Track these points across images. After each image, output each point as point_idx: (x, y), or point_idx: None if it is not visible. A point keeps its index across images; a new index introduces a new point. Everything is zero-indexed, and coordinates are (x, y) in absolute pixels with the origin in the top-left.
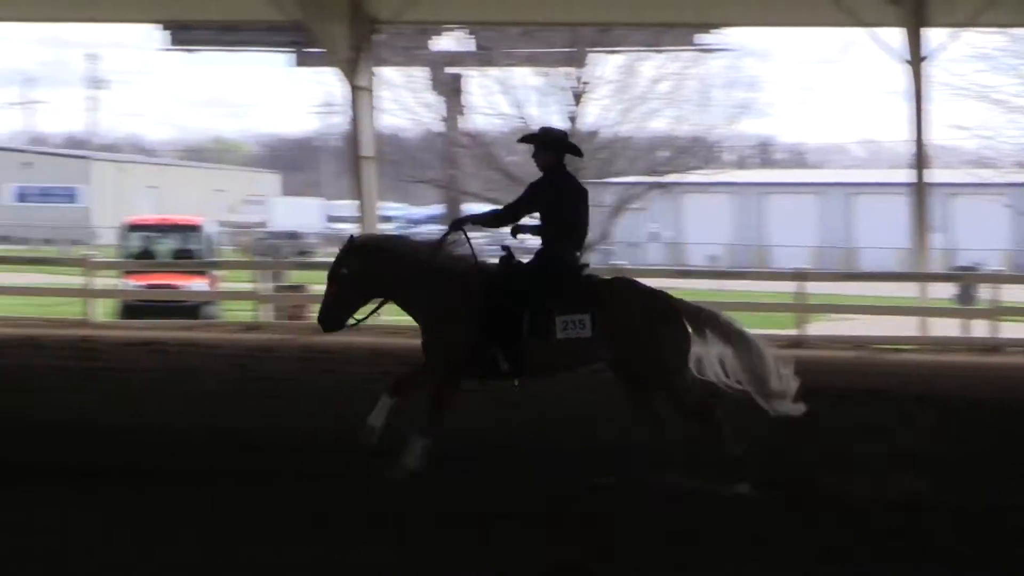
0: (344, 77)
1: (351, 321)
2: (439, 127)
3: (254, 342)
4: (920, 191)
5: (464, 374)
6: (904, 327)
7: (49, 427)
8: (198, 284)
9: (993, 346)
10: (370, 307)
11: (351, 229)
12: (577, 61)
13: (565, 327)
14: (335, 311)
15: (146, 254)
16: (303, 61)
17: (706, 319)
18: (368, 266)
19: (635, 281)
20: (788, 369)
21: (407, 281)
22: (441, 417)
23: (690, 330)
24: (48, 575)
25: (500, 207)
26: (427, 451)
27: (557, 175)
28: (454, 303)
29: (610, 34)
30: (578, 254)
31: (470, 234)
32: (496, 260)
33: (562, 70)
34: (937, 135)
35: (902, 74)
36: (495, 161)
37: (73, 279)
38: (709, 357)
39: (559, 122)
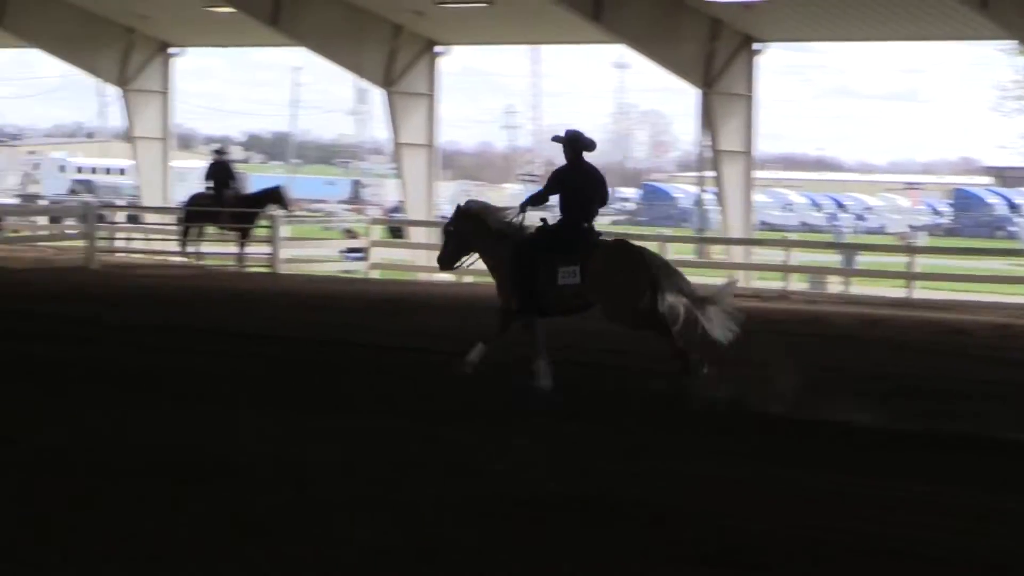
0: None
1: (458, 264)
2: None
3: None
4: None
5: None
6: None
7: None
8: None
9: None
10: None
11: None
12: None
13: (563, 276)
14: (446, 257)
15: None
16: None
17: (666, 274)
18: (465, 227)
19: (624, 243)
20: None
21: (483, 241)
22: (498, 334)
23: (652, 280)
24: None
25: (538, 190)
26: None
27: (575, 165)
28: (504, 257)
29: None
30: (586, 224)
31: (530, 211)
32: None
33: None
34: None
35: None
36: None
37: None
38: (664, 304)
39: None
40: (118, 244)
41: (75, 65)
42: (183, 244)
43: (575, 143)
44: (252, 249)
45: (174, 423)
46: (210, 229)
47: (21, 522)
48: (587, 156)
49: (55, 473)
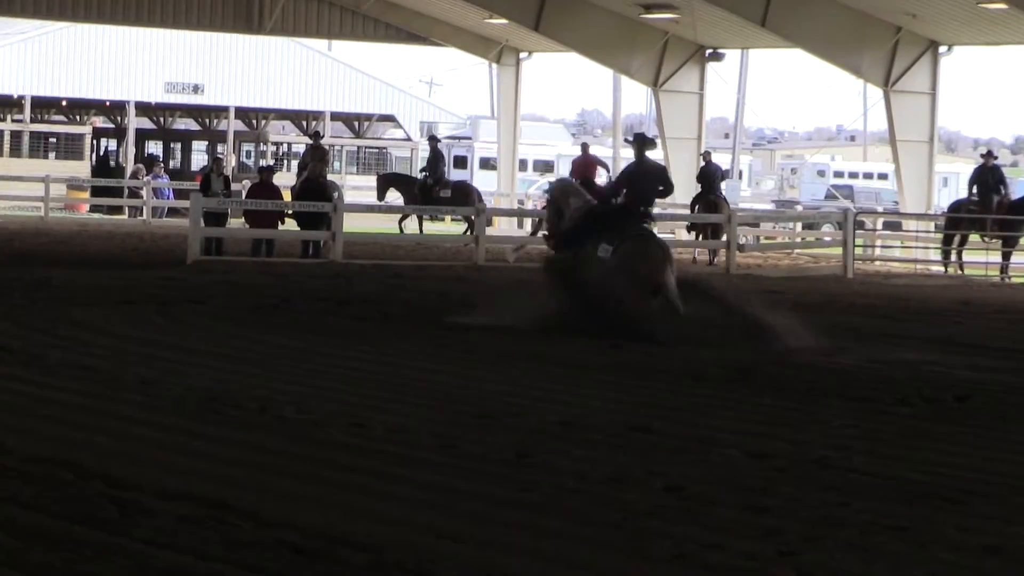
0: None
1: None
2: None
3: None
4: None
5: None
6: None
7: None
8: None
9: None
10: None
11: None
12: None
13: (602, 250)
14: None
15: None
16: None
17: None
18: (556, 199)
19: (647, 234)
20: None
21: (562, 212)
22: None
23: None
24: None
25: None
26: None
27: (638, 161)
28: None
29: None
30: (643, 209)
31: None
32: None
33: None
34: None
35: None
36: None
37: None
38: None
39: None
40: (876, 252)
41: (838, 66)
42: (945, 253)
43: (641, 143)
44: (1018, 259)
45: None
46: (974, 237)
47: None
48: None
49: None
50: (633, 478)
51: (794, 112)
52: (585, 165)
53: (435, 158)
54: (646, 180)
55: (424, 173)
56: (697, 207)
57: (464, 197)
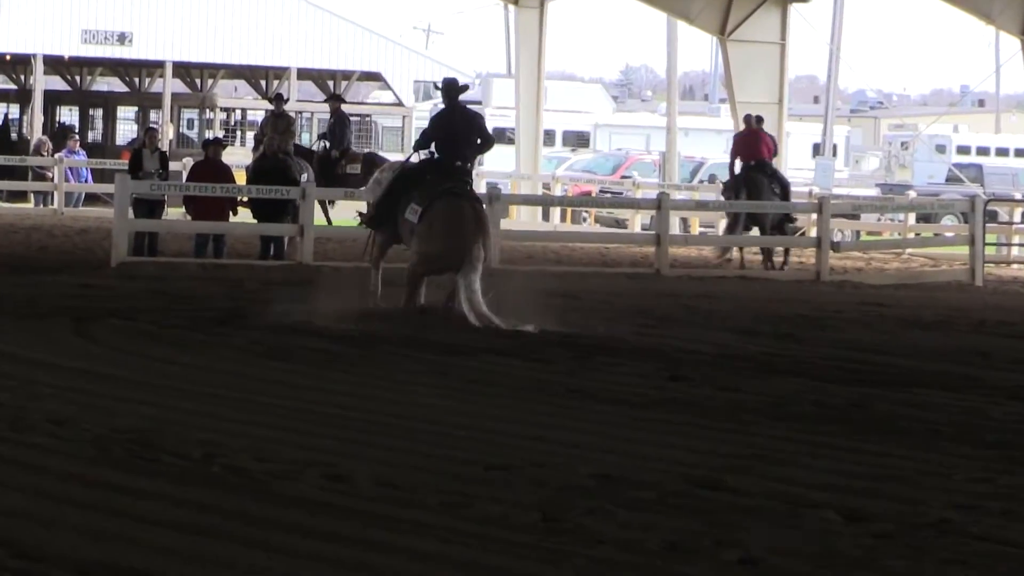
0: None
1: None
2: None
3: None
4: None
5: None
6: None
7: None
8: None
9: None
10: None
11: None
12: None
13: (409, 212)
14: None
15: None
16: None
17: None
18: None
19: (460, 191)
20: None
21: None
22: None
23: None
24: None
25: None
26: None
27: (449, 108)
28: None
29: None
30: (458, 163)
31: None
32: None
33: None
34: None
35: None
36: None
37: None
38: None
39: None
40: (1012, 252)
41: (963, 8)
42: None
43: (450, 88)
44: None
45: None
46: None
47: None
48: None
49: None
50: (697, 548)
51: (904, 70)
52: (752, 142)
53: (339, 124)
54: (461, 130)
55: (322, 143)
56: (742, 190)
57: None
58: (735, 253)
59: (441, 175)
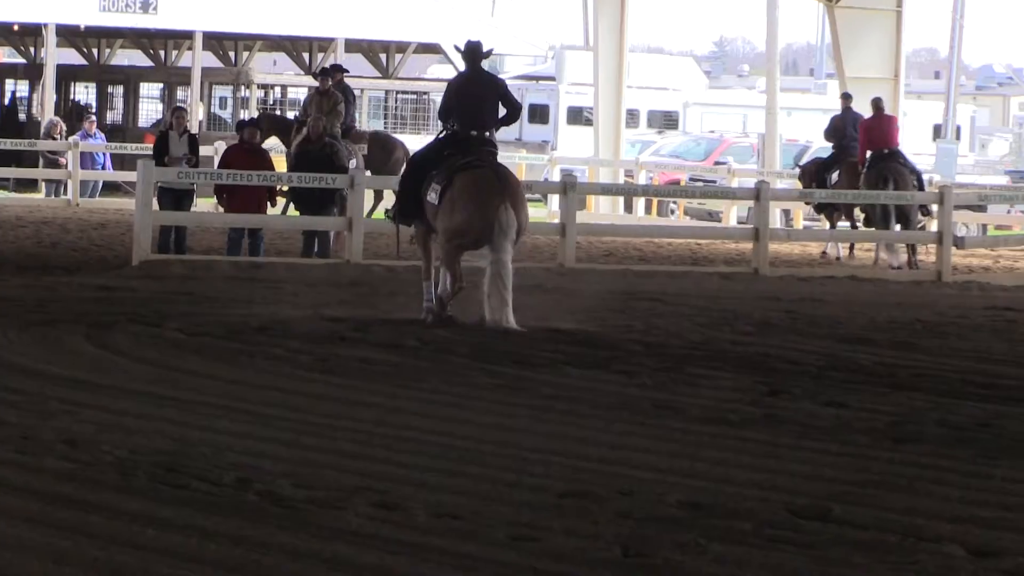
0: None
1: None
2: None
3: None
4: None
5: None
6: None
7: None
8: None
9: None
10: None
11: None
12: None
13: (431, 194)
14: None
15: None
16: None
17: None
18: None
19: (483, 163)
20: None
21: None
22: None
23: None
24: None
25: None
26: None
27: (472, 73)
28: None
29: None
30: (474, 133)
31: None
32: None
33: None
34: None
35: None
36: None
37: None
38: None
39: None
40: None
41: None
42: None
43: (474, 52)
44: None
45: None
46: None
47: None
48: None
49: None
50: None
51: None
52: (884, 128)
53: (343, 97)
54: (482, 97)
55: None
56: (836, 174)
57: (386, 155)
58: (841, 250)
59: (461, 148)
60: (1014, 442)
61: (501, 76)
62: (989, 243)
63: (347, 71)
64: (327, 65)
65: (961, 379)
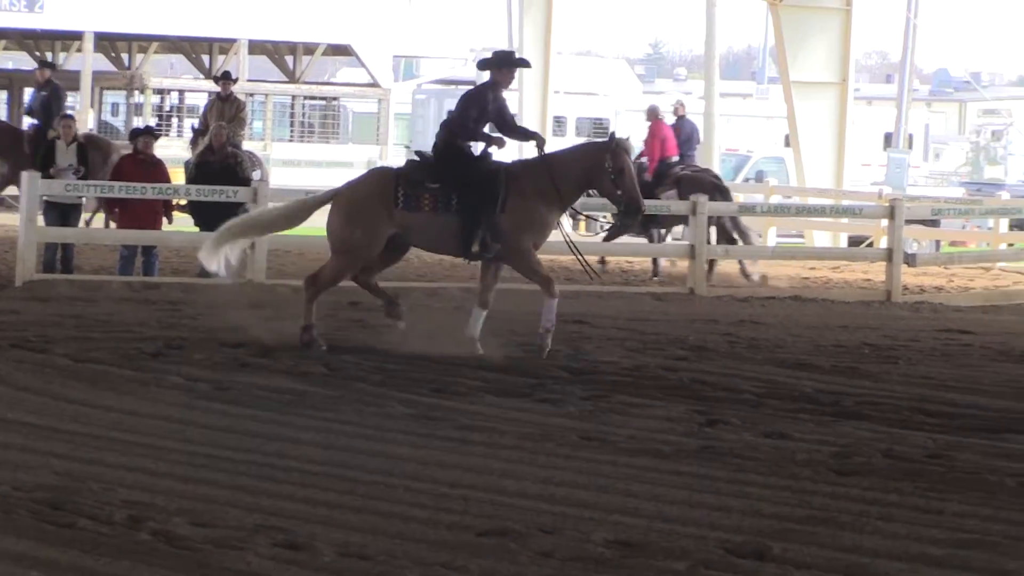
0: None
1: None
2: None
3: None
4: None
5: None
6: None
7: None
8: None
9: None
10: None
11: None
12: None
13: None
14: None
15: None
16: None
17: None
18: None
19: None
20: None
21: None
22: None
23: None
24: None
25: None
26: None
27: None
28: None
29: None
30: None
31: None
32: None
33: None
34: None
35: None
36: None
37: None
38: None
39: None
40: None
41: None
42: None
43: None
44: None
45: None
46: None
47: None
48: None
49: None
50: None
51: (996, 46)
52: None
53: (54, 97)
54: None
55: (35, 123)
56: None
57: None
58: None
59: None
60: (966, 475)
61: (415, 80)
62: (942, 260)
63: (54, 66)
64: (228, 69)
65: (910, 407)
